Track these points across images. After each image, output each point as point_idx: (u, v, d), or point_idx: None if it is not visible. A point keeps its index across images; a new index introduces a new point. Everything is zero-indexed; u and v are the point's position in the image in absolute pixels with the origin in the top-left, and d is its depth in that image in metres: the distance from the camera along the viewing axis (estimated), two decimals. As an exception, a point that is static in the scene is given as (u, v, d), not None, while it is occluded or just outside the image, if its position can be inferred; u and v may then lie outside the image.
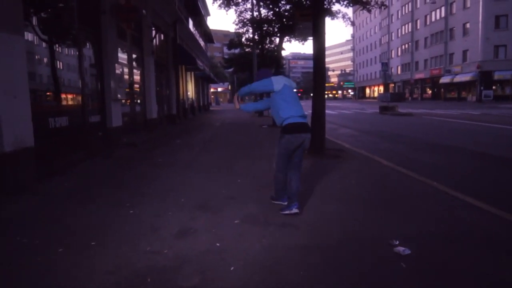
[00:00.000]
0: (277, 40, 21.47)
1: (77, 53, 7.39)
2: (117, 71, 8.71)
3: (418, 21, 56.87)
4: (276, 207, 4.25)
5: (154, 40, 14.04)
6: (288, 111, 3.89)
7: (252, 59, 26.26)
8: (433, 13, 51.98)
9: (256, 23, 18.95)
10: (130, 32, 10.94)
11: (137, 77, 12.08)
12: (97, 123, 8.21)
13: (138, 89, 12.18)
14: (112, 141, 8.62)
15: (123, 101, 10.13)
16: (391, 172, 6.32)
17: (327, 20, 17.33)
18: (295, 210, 3.99)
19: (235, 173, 6.12)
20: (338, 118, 21.45)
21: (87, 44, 8.01)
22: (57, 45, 6.75)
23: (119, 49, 9.87)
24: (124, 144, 9.02)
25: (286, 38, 20.95)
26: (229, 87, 73.33)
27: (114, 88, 8.61)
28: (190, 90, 25.54)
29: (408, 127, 14.85)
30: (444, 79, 48.04)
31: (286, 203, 4.13)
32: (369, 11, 15.58)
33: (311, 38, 18.85)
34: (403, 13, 61.47)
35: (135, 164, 6.99)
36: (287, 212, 4.02)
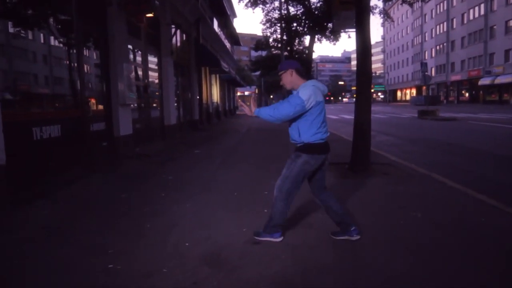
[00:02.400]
0: (306, 40, 20.12)
1: (75, 50, 6.27)
2: (126, 72, 7.57)
3: (454, 20, 53.95)
4: (318, 259, 2.89)
5: (174, 40, 12.95)
6: (314, 128, 3.14)
7: (280, 61, 25.03)
8: (471, 11, 49.08)
9: (285, 21, 17.62)
10: (145, 29, 9.84)
11: (153, 80, 10.97)
12: (101, 132, 7.08)
13: (154, 93, 11.08)
14: (120, 153, 7.48)
15: (135, 106, 9.01)
16: (463, 198, 4.81)
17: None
18: (356, 236, 3.34)
19: (261, 199, 4.78)
20: (373, 123, 19.54)
21: (90, 39, 6.90)
22: (46, 39, 5.64)
23: (131, 47, 8.76)
24: (135, 155, 7.86)
25: (316, 38, 19.52)
26: (256, 91, 72.31)
27: (122, 91, 7.47)
28: (215, 94, 24.44)
29: (456, 134, 13.08)
30: (484, 81, 45.07)
31: (279, 239, 3.36)
32: (410, 4, 13.91)
33: (348, 33, 17.42)
34: (438, 12, 58.61)
35: (140, 184, 5.76)
36: (345, 237, 3.34)
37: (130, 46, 8.75)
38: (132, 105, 8.36)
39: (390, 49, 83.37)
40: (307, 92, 3.08)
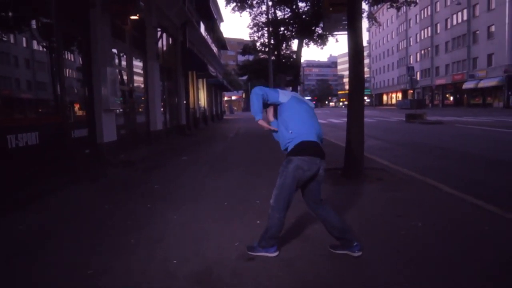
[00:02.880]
0: (294, 45, 20.00)
1: (55, 53, 5.95)
2: (110, 76, 7.26)
3: (438, 25, 54.77)
4: (317, 276, 2.66)
5: (160, 43, 12.67)
6: (299, 127, 3.00)
7: (268, 66, 24.87)
8: (455, 16, 49.89)
9: (272, 25, 17.48)
10: (130, 32, 9.55)
11: (139, 84, 10.66)
12: (84, 139, 6.76)
13: (140, 98, 10.76)
14: (104, 160, 7.16)
15: (120, 111, 8.69)
16: (461, 204, 4.64)
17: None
18: (357, 253, 3.05)
19: (253, 209, 4.54)
20: (362, 127, 19.69)
21: (71, 42, 6.59)
22: (23, 41, 5.32)
23: (115, 50, 8.46)
24: (120, 162, 7.54)
25: (304, 42, 19.42)
26: (243, 95, 72.09)
27: (106, 96, 7.16)
28: (202, 98, 24.14)
29: (445, 138, 13.06)
30: (468, 85, 45.76)
31: (274, 254, 3.11)
32: (398, 8, 13.89)
33: (335, 37, 17.37)
34: (422, 17, 59.48)
35: (124, 193, 5.46)
36: (345, 252, 3.09)
37: (114, 50, 8.44)
38: (116, 111, 8.04)
39: (376, 54, 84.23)
40: (282, 91, 3.19)
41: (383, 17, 71.17)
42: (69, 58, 6.67)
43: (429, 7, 56.75)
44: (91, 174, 6.34)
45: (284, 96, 3.11)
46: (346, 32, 6.60)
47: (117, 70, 7.88)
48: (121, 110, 8.82)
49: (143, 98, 10.89)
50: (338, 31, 7.57)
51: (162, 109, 12.49)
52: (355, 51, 6.31)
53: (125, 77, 9.39)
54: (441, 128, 17.33)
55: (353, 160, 6.40)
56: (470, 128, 16.47)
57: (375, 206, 4.59)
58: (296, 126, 3.01)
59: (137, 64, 10.45)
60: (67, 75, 6.35)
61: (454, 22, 49.94)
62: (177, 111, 15.46)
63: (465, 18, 47.35)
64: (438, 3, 54.34)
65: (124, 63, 9.35)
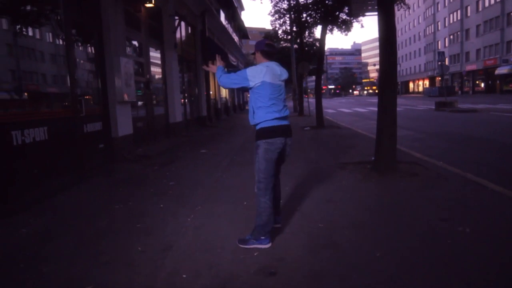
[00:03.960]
0: (316, 32, 19.27)
1: (65, 42, 5.62)
2: (124, 67, 6.92)
3: (469, 8, 52.22)
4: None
5: (179, 32, 12.28)
6: (266, 110, 3.11)
7: (290, 54, 24.17)
8: (487, -3, 47.45)
9: (295, 10, 16.82)
10: (146, 21, 9.19)
11: (156, 75, 10.33)
12: (97, 133, 6.45)
13: (158, 89, 10.44)
14: (119, 155, 6.86)
15: (136, 103, 8.37)
16: (511, 204, 4.07)
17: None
18: (277, 225, 3.38)
19: (274, 209, 4.10)
20: (389, 116, 18.86)
21: (81, 31, 6.26)
22: (31, 31, 5.00)
23: (131, 40, 8.12)
24: (135, 157, 7.24)
25: (328, 28, 18.60)
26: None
27: (120, 88, 6.83)
28: (223, 89, 23.75)
29: (481, 127, 12.19)
30: (501, 70, 43.49)
31: (267, 245, 3.09)
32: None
33: (360, 23, 16.52)
34: (451, 0, 56.89)
35: (137, 191, 5.11)
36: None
37: (129, 40, 8.10)
38: (132, 103, 7.72)
39: (401, 40, 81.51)
40: (254, 70, 3.14)
41: (409, 1, 68.59)
42: (80, 48, 6.34)
43: (458, -11, 54.26)
44: (104, 170, 6.05)
45: (254, 79, 3.11)
46: (375, 13, 6.01)
47: (131, 60, 7.53)
48: (137, 102, 8.51)
49: (160, 90, 10.55)
50: (367, 11, 6.96)
51: (181, 100, 12.15)
52: (387, 33, 5.73)
53: (141, 68, 9.05)
54: (475, 116, 16.34)
55: (385, 154, 5.84)
56: (508, 117, 15.43)
57: (413, 207, 4.06)
58: (262, 111, 3.12)
59: (154, 54, 10.11)
60: (78, 66, 6.02)
61: (486, 4, 47.44)
62: (197, 102, 15.12)
63: (498, -1, 44.96)
64: (468, -15, 51.86)
65: (140, 53, 9.01)
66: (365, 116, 20.51)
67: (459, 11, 54.69)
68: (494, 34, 45.91)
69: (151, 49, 9.78)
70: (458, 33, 55.18)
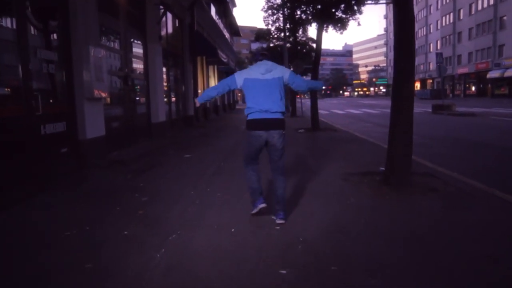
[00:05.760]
0: (310, 30, 18.43)
1: (16, 25, 4.61)
2: (95, 57, 5.93)
3: (461, 11, 52.03)
4: None
5: (165, 24, 11.30)
6: (248, 102, 3.56)
7: (283, 53, 23.25)
8: (479, 1, 47.16)
9: (290, 4, 15.96)
10: (125, 7, 8.18)
11: (137, 69, 9.33)
12: (59, 135, 5.44)
13: (139, 85, 9.43)
14: (87, 160, 5.86)
15: (110, 100, 7.37)
16: None
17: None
18: (280, 221, 3.49)
19: (270, 237, 3.18)
20: (385, 118, 18.08)
21: (40, 12, 5.25)
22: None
23: (106, 28, 7.12)
24: (107, 163, 6.25)
25: (324, 26, 17.76)
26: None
27: (89, 82, 5.83)
28: (213, 87, 22.72)
29: (485, 132, 11.48)
30: (493, 74, 43.31)
31: (261, 205, 3.65)
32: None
33: (357, 21, 15.69)
34: (444, 3, 56.67)
35: (101, 210, 4.12)
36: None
37: (103, 27, 7.10)
38: (106, 100, 6.74)
39: (393, 42, 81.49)
40: (240, 73, 3.67)
41: (402, 3, 68.23)
42: (39, 34, 5.32)
43: (451, -8, 54.03)
44: (66, 181, 5.06)
45: (239, 79, 3.58)
46: (384, 1, 5.15)
47: (104, 51, 6.52)
48: (113, 99, 7.51)
49: (142, 86, 9.54)
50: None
51: (165, 98, 11.15)
52: (404, 25, 4.85)
53: (118, 61, 8.04)
54: (475, 120, 15.66)
55: (398, 165, 4.97)
56: (508, 122, 14.77)
57: (444, 237, 3.18)
58: (247, 105, 3.55)
59: (135, 46, 9.11)
60: (35, 55, 5.00)
61: (479, 7, 47.23)
62: (184, 101, 14.12)
63: (491, 3, 44.69)
64: (461, -12, 51.63)
65: (117, 43, 7.99)
66: (360, 118, 19.73)
67: (451, 14, 54.47)
68: (486, 38, 45.70)
69: (131, 40, 8.78)
70: (451, 36, 54.97)
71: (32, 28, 5.06)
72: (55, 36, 5.65)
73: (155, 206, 4.20)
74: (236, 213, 3.91)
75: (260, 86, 3.48)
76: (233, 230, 3.42)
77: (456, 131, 12.05)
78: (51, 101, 5.47)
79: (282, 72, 3.59)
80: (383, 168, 5.38)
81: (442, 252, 2.89)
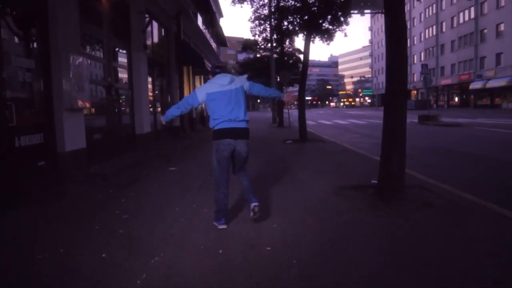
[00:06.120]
0: (297, 41, 18.41)
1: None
2: (76, 66, 5.65)
3: (444, 24, 53.20)
4: None
5: (150, 34, 11.07)
6: (215, 116, 3.67)
7: (270, 63, 23.22)
8: (461, 14, 48.32)
9: (278, 14, 15.92)
10: (108, 15, 7.93)
11: (121, 79, 9.05)
12: (36, 148, 5.13)
13: (123, 95, 9.14)
14: (66, 174, 5.55)
15: (91, 110, 7.07)
16: None
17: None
18: (254, 203, 3.72)
19: (260, 264, 2.94)
20: (372, 129, 18.13)
21: (16, 17, 4.97)
22: None
23: (88, 36, 6.86)
24: (90, 176, 5.94)
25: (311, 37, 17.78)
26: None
27: (69, 92, 5.55)
28: (199, 97, 22.45)
29: (472, 143, 11.48)
30: (475, 85, 44.22)
31: (222, 227, 3.71)
32: None
33: (343, 32, 15.75)
34: (427, 15, 57.89)
35: (72, 232, 3.82)
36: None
37: (85, 35, 6.83)
38: (86, 110, 6.45)
39: (378, 53, 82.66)
40: (200, 88, 3.77)
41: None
42: (13, 40, 5.03)
43: (434, 5, 55.20)
44: (43, 196, 4.74)
45: (201, 95, 3.69)
46: (376, 11, 5.06)
47: (85, 60, 6.25)
48: (94, 109, 7.22)
49: (126, 96, 9.25)
50: (370, 8, 6.01)
51: (150, 108, 10.86)
52: (397, 34, 4.75)
53: (101, 70, 7.76)
54: (461, 131, 15.75)
55: (391, 178, 4.82)
56: (494, 132, 14.89)
57: (448, 258, 2.98)
58: (213, 117, 3.66)
59: (120, 55, 8.84)
60: (9, 62, 4.71)
61: (461, 20, 48.36)
62: (170, 111, 13.81)
63: (472, 16, 45.81)
64: (443, 1, 52.75)
65: (99, 52, 7.72)
66: (347, 128, 19.71)
67: (434, 27, 55.65)
68: (468, 50, 46.71)
69: (115, 49, 8.52)
70: (434, 48, 56.07)
71: (7, 34, 4.77)
72: (34, 44, 5.36)
73: (136, 224, 3.92)
74: (224, 231, 3.67)
75: (225, 97, 3.63)
76: (220, 251, 3.17)
77: (443, 142, 12.06)
78: (27, 111, 5.15)
79: (242, 82, 3.80)
80: (375, 181, 5.23)
81: (447, 275, 2.70)
